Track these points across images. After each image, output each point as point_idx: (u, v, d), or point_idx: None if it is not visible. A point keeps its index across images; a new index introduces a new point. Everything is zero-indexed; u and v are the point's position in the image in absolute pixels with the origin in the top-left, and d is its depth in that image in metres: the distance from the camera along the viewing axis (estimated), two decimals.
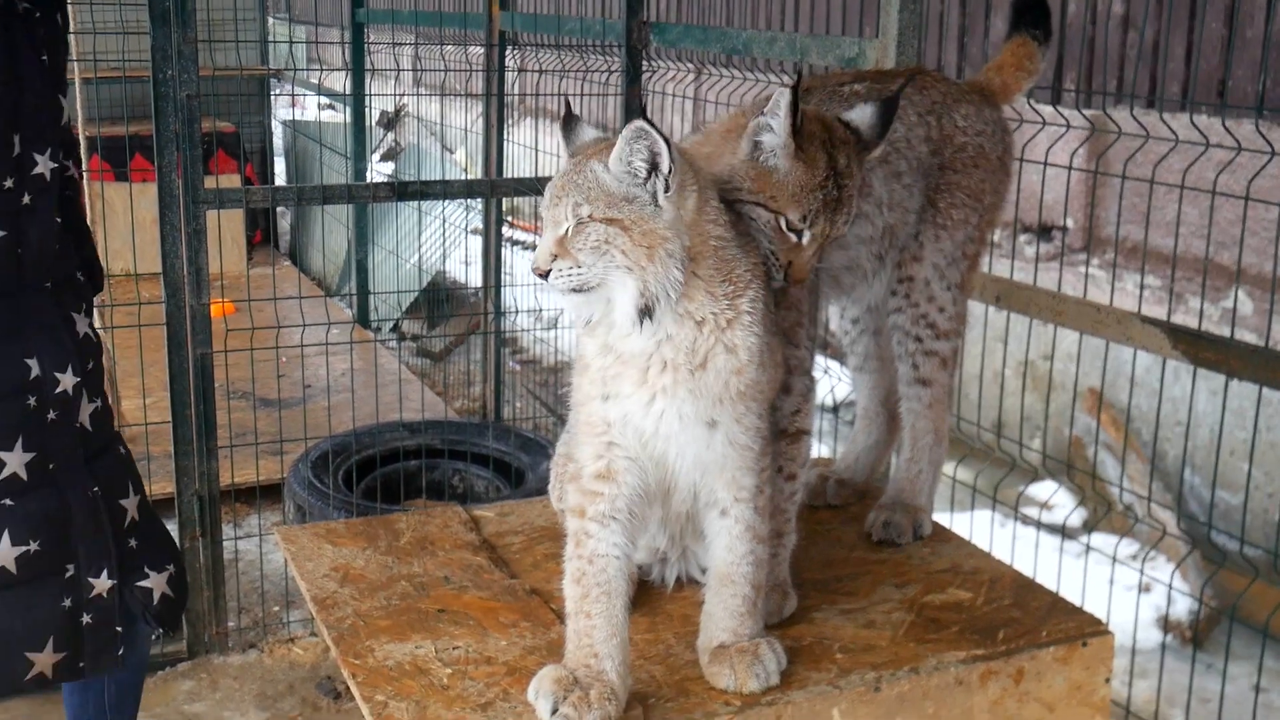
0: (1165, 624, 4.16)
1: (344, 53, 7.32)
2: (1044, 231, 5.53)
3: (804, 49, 3.38)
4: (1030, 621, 2.08)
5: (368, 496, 4.50)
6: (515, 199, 5.31)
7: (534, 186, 2.91)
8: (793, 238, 1.90)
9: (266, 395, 5.46)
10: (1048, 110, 3.23)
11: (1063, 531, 3.49)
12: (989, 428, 5.26)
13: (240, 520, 4.75)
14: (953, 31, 5.68)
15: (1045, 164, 3.03)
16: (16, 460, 2.39)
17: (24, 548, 2.40)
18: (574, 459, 1.85)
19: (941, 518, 3.20)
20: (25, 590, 2.42)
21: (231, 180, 7.18)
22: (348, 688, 2.71)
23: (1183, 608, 4.15)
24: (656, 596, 2.14)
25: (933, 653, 1.97)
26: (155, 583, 2.57)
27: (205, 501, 3.82)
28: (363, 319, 7.02)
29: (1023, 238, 4.98)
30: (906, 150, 2.25)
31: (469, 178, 7.36)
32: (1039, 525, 4.01)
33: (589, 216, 1.69)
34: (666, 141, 1.67)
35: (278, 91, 9.34)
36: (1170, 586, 3.08)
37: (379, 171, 8.70)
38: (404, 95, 9.48)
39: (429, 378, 6.57)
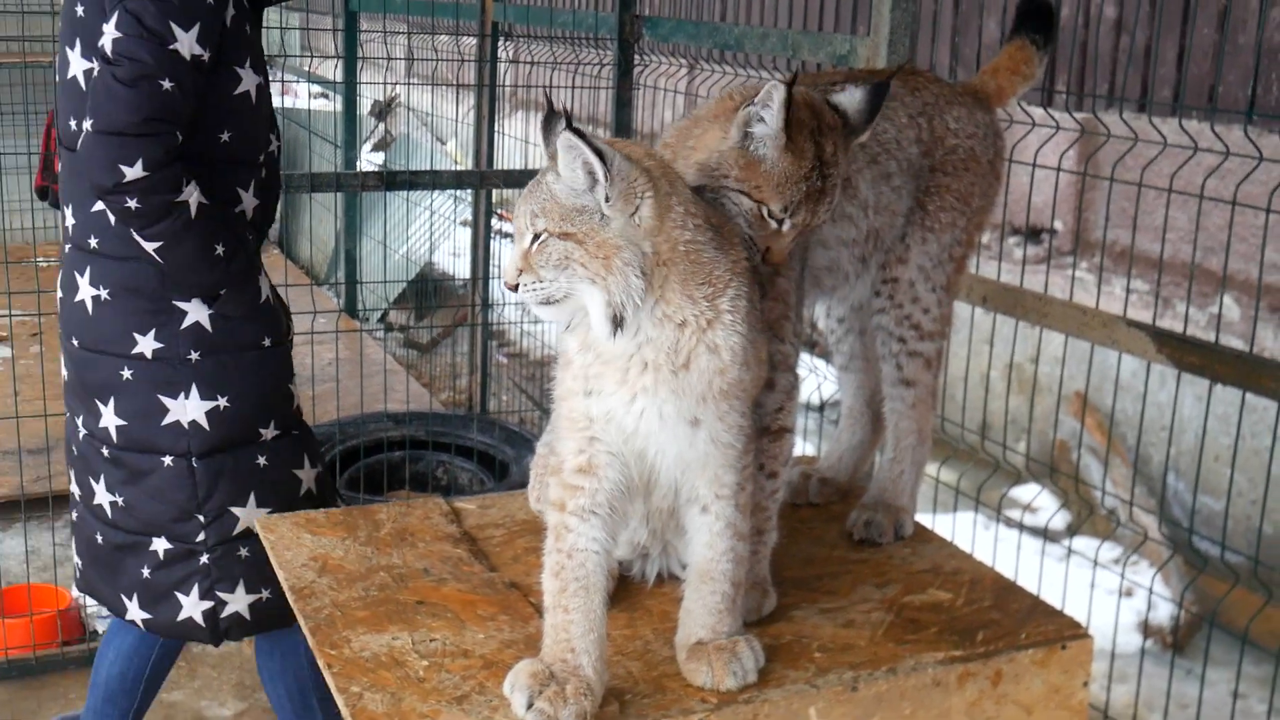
0: (1147, 629, 4.17)
1: (333, 40, 7.30)
2: (1033, 234, 5.53)
3: (796, 45, 3.38)
4: (1010, 624, 2.07)
5: (351, 487, 4.49)
6: (505, 191, 5.30)
7: (524, 179, 2.90)
8: (773, 224, 1.90)
9: None
10: (1038, 112, 3.23)
11: (1044, 534, 3.49)
12: (975, 429, 5.26)
13: None
14: (945, 32, 5.67)
15: (1034, 165, 3.02)
16: (296, 394, 2.84)
17: (316, 468, 2.85)
18: (556, 453, 1.84)
19: (925, 519, 3.20)
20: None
21: None
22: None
23: (1164, 613, 4.15)
24: (636, 592, 2.13)
25: (911, 653, 1.97)
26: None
27: None
28: (351, 309, 7.01)
29: (1012, 239, 4.99)
30: (897, 151, 2.24)
31: (459, 169, 7.34)
32: (1021, 527, 4.01)
33: (545, 231, 1.69)
34: (598, 151, 1.65)
35: (276, 80, 9.31)
36: (1150, 591, 3.08)
37: (370, 161, 8.68)
38: (396, 84, 9.46)
39: (415, 369, 6.55)
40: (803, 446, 4.28)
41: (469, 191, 6.08)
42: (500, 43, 5.50)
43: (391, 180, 3.97)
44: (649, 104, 5.54)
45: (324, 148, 7.57)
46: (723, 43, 3.65)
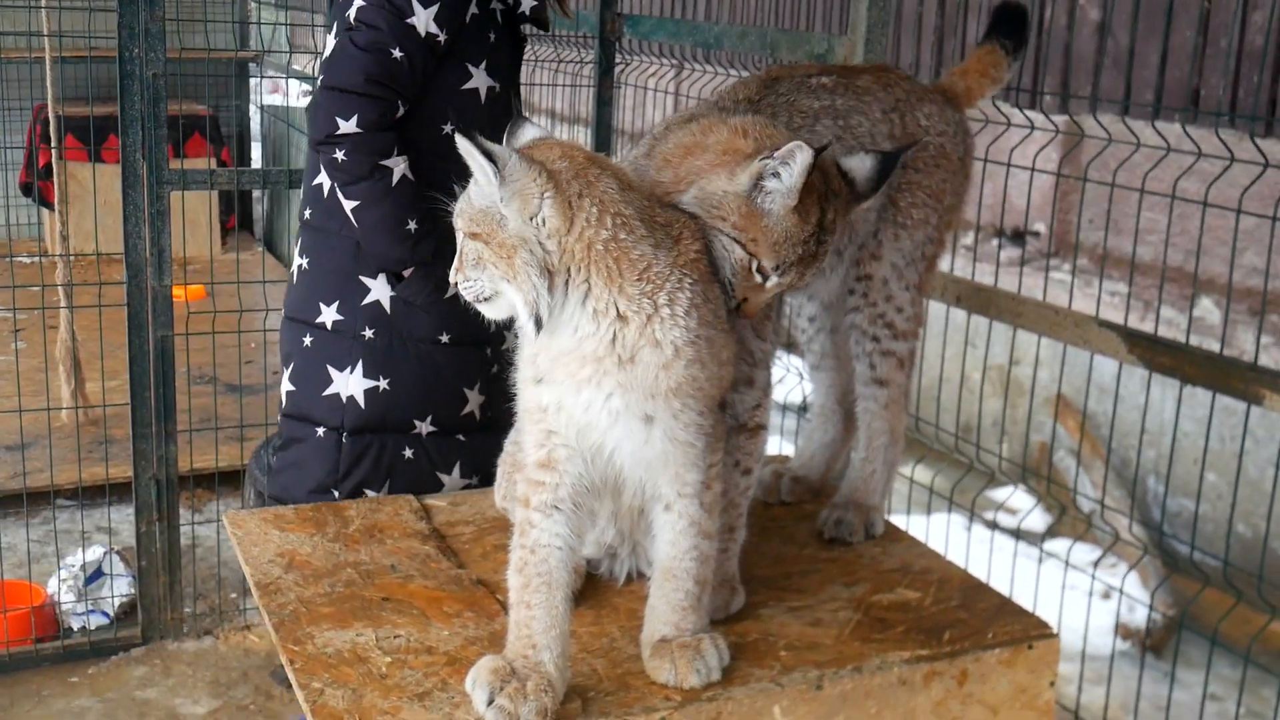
0: (1124, 631, 4.17)
1: (313, 36, 7.26)
2: (1017, 236, 5.53)
3: (774, 44, 3.38)
4: (977, 623, 2.07)
5: None
6: None
7: None
8: (758, 277, 1.87)
9: (234, 380, 5.42)
10: (1020, 114, 3.23)
11: (1017, 534, 3.49)
12: (953, 431, 5.26)
13: (201, 506, 4.72)
14: (930, 33, 5.68)
15: (1009, 165, 3.02)
16: (475, 401, 2.84)
17: (468, 480, 2.85)
18: (521, 447, 1.84)
19: (905, 520, 3.20)
20: None
21: (210, 164, 7.12)
22: None
23: (1142, 615, 4.15)
24: (605, 590, 2.12)
25: (877, 652, 1.96)
26: None
27: (163, 486, 3.79)
28: None
29: (996, 241, 4.99)
30: (870, 146, 2.24)
31: None
32: (994, 527, 4.01)
33: (461, 231, 1.74)
34: (487, 154, 1.66)
35: (260, 75, 9.28)
36: (1121, 592, 3.07)
37: None
38: None
39: None
40: (781, 446, 4.28)
41: None
42: None
43: None
44: (638, 104, 5.54)
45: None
46: (703, 41, 3.64)
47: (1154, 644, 4.17)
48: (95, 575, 4.04)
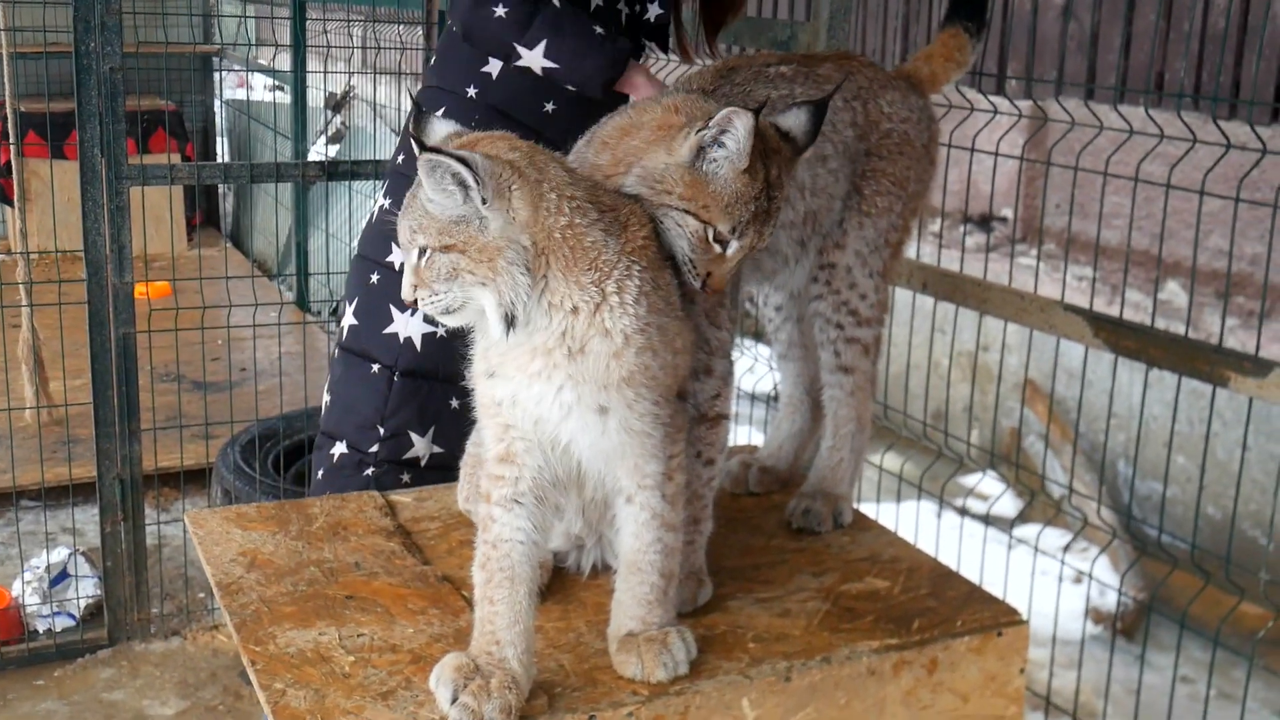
0: (1095, 615, 4.18)
1: (273, 30, 7.21)
2: (984, 222, 5.53)
3: (737, 32, 3.36)
4: (946, 611, 2.06)
5: (298, 482, 4.43)
6: None
7: None
8: (717, 249, 1.85)
9: (200, 378, 5.37)
10: (985, 99, 3.22)
11: (987, 520, 3.49)
12: (921, 418, 5.26)
13: (167, 505, 4.67)
14: (895, 19, 5.67)
15: (972, 150, 3.01)
16: None
17: (440, 449, 2.81)
18: (482, 443, 1.82)
19: (875, 508, 3.19)
20: None
21: (172, 159, 7.06)
22: None
23: (1113, 599, 4.16)
24: (571, 584, 2.10)
25: (846, 642, 1.95)
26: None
27: (127, 485, 3.75)
28: (302, 302, 6.94)
29: (962, 228, 4.98)
30: (833, 135, 2.22)
31: None
32: (964, 513, 4.01)
33: (427, 247, 1.68)
34: (462, 160, 1.62)
35: (226, 70, 9.20)
36: (1090, 576, 3.07)
37: (320, 153, 8.60)
38: (352, 74, 9.37)
39: None
40: (751, 436, 4.26)
41: None
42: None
43: (334, 170, 3.92)
44: None
45: (277, 140, 7.50)
46: None
47: (1125, 628, 4.18)
48: (60, 577, 3.99)
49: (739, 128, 1.77)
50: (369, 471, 2.82)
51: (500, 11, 2.56)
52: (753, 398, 3.94)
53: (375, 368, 2.81)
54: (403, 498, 2.46)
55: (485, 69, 2.70)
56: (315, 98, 7.58)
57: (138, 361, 3.69)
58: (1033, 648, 2.10)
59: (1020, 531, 4.24)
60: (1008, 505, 4.68)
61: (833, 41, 2.99)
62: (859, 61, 2.34)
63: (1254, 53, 4.38)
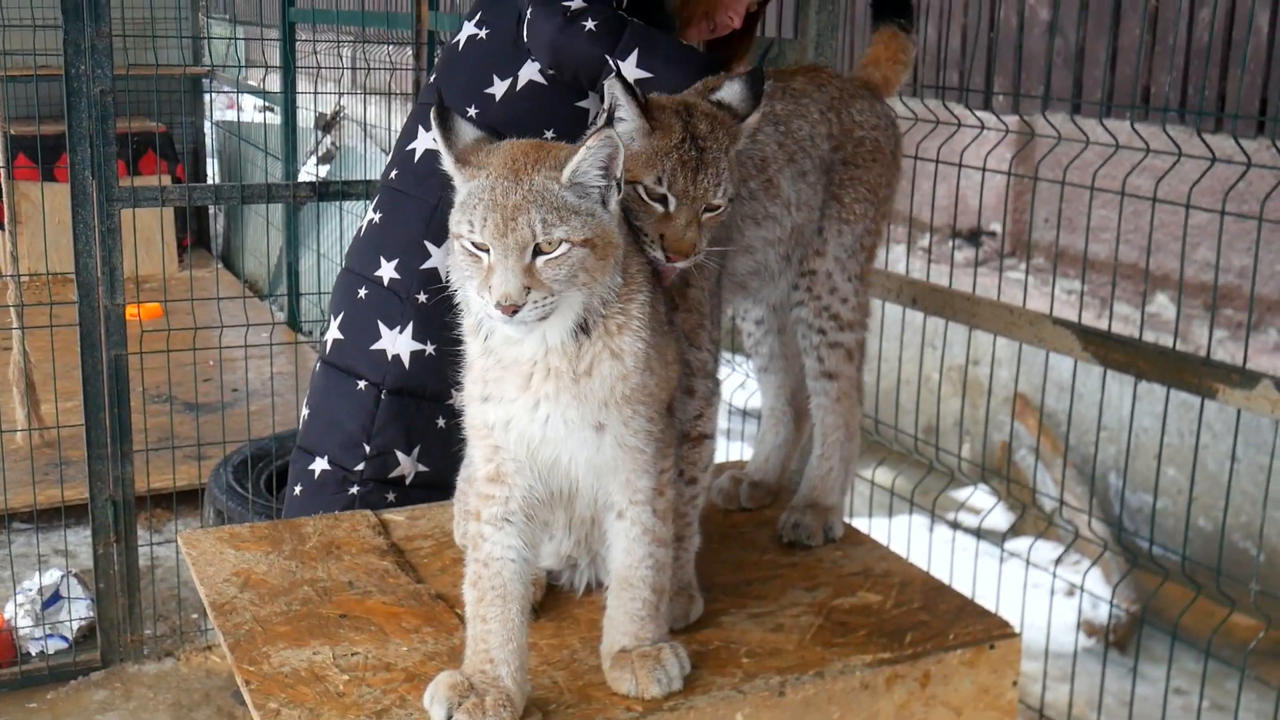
0: (1088, 628, 4.19)
1: (262, 51, 7.21)
2: (972, 237, 5.56)
3: None
4: (938, 624, 2.06)
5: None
6: None
7: None
8: (657, 207, 1.87)
9: (191, 399, 5.37)
10: (972, 114, 3.24)
11: (978, 534, 3.50)
12: (913, 433, 5.27)
13: (160, 526, 4.67)
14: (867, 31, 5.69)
15: (960, 165, 3.03)
16: None
17: (426, 467, 2.83)
18: (471, 461, 1.82)
19: (867, 522, 3.20)
20: None
21: (163, 182, 7.07)
22: None
23: (1106, 612, 4.17)
24: (565, 601, 2.10)
25: (839, 657, 1.95)
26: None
27: (119, 506, 3.75)
28: (293, 322, 6.94)
29: (951, 243, 5.01)
30: (811, 148, 2.25)
31: None
32: (956, 527, 4.02)
33: (566, 240, 1.61)
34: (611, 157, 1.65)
35: (216, 91, 9.21)
36: (1081, 589, 3.08)
37: (314, 175, 8.61)
38: (342, 95, 9.39)
39: None
40: (742, 452, 4.27)
41: None
42: (437, 51, 5.46)
43: (324, 190, 3.93)
44: None
45: (272, 163, 7.51)
46: None
47: (1118, 640, 4.19)
48: (53, 599, 3.99)
49: (617, 95, 1.87)
50: (353, 490, 2.80)
51: (590, 25, 2.54)
52: (744, 414, 3.95)
53: (361, 384, 2.80)
54: (396, 516, 2.46)
55: (489, 90, 2.70)
56: (305, 118, 7.60)
57: (129, 383, 3.69)
58: (1026, 661, 2.10)
59: (1012, 545, 4.25)
60: (999, 519, 4.69)
61: (820, 58, 3.01)
62: (827, 73, 2.38)
63: (1238, 66, 4.41)
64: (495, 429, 1.74)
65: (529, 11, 2.60)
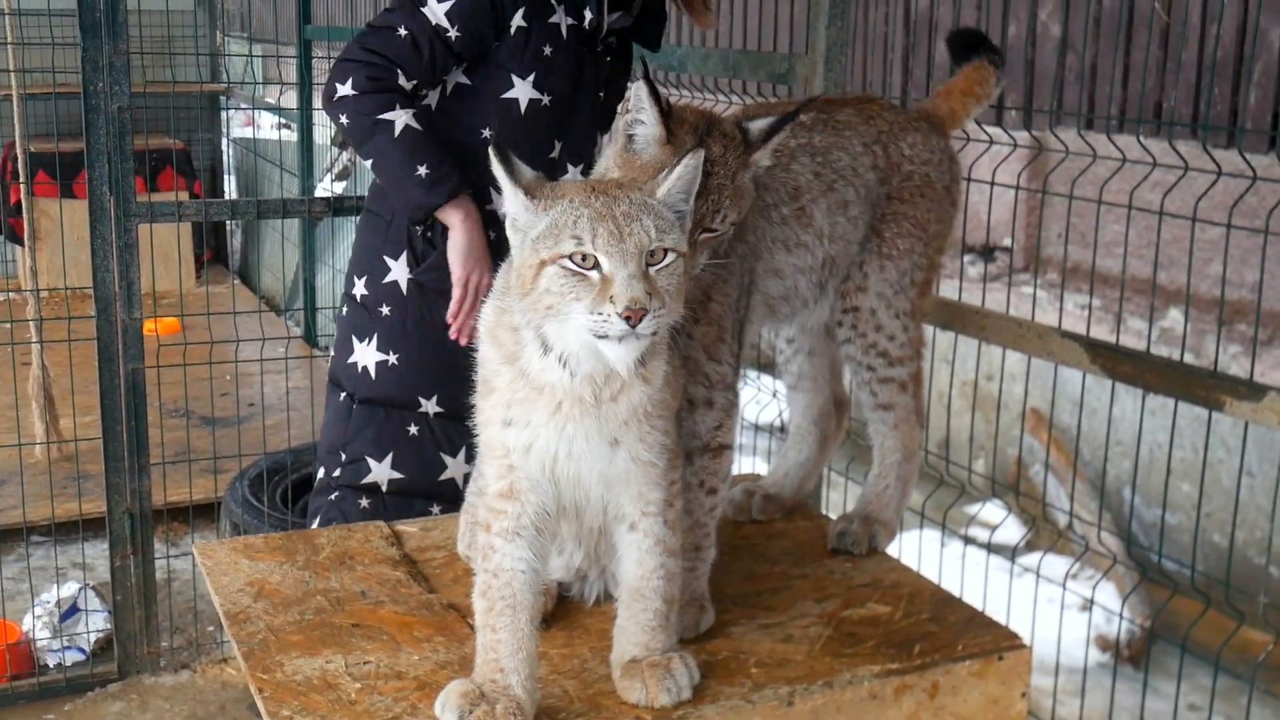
0: (1101, 642, 4.18)
1: (278, 68, 7.25)
2: (988, 252, 5.56)
3: (736, 65, 3.40)
4: (947, 636, 2.07)
5: (306, 514, 4.45)
6: None
7: None
8: None
9: (209, 413, 5.40)
10: (982, 130, 3.25)
11: (989, 549, 3.50)
12: (928, 446, 5.27)
13: (176, 539, 4.70)
14: (894, 52, 5.72)
15: (969, 180, 3.04)
16: (431, 407, 2.93)
17: (400, 475, 2.93)
18: (481, 474, 1.84)
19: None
20: None
21: (181, 198, 7.12)
22: None
23: (1120, 627, 4.16)
24: (575, 611, 2.12)
25: (848, 667, 1.97)
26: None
27: (136, 519, 3.77)
28: (310, 337, 6.98)
29: (964, 258, 5.02)
30: (854, 179, 2.25)
31: None
32: (969, 542, 4.02)
33: (674, 250, 1.62)
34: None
35: (233, 108, 9.27)
36: (1092, 603, 3.08)
37: (332, 191, 8.66)
38: None
39: None
40: (756, 466, 4.28)
41: None
42: None
43: (339, 205, 3.96)
44: None
45: (284, 177, 7.56)
46: (666, 63, 3.66)
47: (1132, 654, 4.18)
48: (70, 611, 4.01)
49: (643, 99, 1.90)
50: (333, 495, 2.93)
51: (343, 119, 2.76)
52: (755, 428, 3.96)
53: (342, 395, 2.93)
54: (409, 528, 2.48)
55: (425, 102, 2.84)
56: (322, 135, 7.64)
57: (147, 397, 3.72)
58: (1038, 675, 2.11)
59: (1024, 559, 4.24)
60: (1012, 533, 4.69)
61: (829, 75, 3.03)
62: (879, 105, 2.37)
63: (1249, 82, 4.42)
64: (513, 452, 1.76)
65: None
